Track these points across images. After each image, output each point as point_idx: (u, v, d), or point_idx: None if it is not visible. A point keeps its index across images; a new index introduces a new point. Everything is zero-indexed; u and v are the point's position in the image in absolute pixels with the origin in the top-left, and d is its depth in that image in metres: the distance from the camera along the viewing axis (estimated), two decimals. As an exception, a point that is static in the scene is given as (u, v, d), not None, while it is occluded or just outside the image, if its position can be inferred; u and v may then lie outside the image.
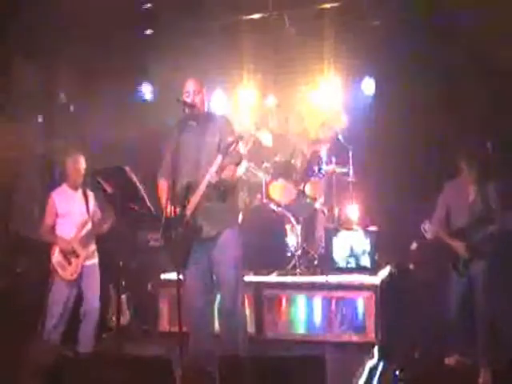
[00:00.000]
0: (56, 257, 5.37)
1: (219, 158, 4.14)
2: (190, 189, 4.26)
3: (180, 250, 4.20)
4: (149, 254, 6.62)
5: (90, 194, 5.52)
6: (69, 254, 5.37)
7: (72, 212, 5.46)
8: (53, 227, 5.46)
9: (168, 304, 6.02)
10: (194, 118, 4.47)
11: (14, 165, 6.70)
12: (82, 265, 5.39)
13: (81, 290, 5.44)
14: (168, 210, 4.20)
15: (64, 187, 5.57)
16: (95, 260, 5.55)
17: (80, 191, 5.52)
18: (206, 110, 4.54)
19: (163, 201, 4.41)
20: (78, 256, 5.37)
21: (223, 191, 4.31)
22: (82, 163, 5.53)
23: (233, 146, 4.12)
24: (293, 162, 6.83)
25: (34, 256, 6.46)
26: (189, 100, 4.39)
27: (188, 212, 4.26)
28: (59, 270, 5.34)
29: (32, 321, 5.85)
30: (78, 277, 5.37)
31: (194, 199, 4.25)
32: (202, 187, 4.22)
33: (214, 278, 4.50)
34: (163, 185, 4.52)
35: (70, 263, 5.36)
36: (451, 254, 5.20)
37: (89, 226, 5.44)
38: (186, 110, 4.38)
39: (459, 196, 5.30)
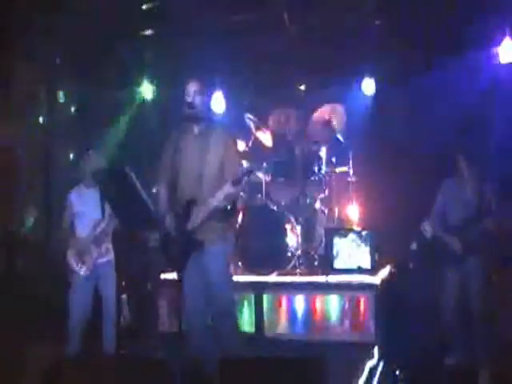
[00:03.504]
0: (70, 254, 5.44)
1: (229, 187, 4.10)
2: (191, 203, 4.21)
3: (177, 257, 4.19)
4: (149, 254, 6.62)
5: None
6: (82, 252, 5.42)
7: (87, 211, 5.49)
8: (70, 227, 5.54)
9: (168, 304, 6.02)
10: (195, 121, 4.40)
11: (17, 164, 6.73)
12: (96, 262, 5.44)
13: (97, 288, 5.50)
14: (168, 218, 4.27)
15: (81, 187, 5.61)
16: (110, 257, 5.56)
17: (97, 190, 5.52)
18: (207, 113, 4.46)
19: (162, 208, 4.41)
20: (91, 253, 5.43)
21: (226, 211, 4.30)
22: (99, 161, 5.54)
23: (245, 178, 4.12)
24: (293, 162, 6.82)
25: (37, 257, 6.48)
26: (190, 101, 4.32)
27: (190, 227, 4.22)
28: (73, 267, 5.41)
29: (33, 321, 5.87)
30: (92, 273, 5.43)
31: (198, 217, 4.21)
32: (207, 209, 4.19)
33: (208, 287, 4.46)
34: (164, 193, 4.50)
35: (83, 261, 5.42)
36: (448, 251, 5.25)
37: (103, 224, 5.48)
38: (187, 112, 4.33)
39: (456, 194, 5.36)
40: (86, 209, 5.49)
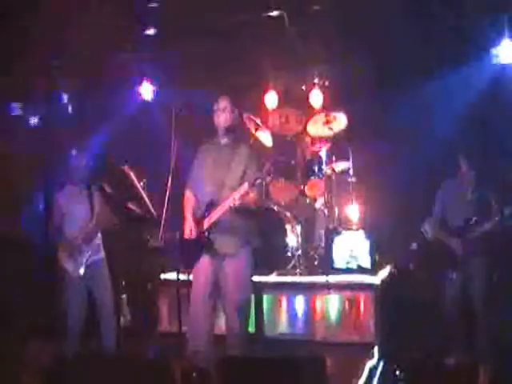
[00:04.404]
0: (61, 254, 5.42)
1: (246, 185, 4.40)
2: (211, 205, 4.57)
3: (190, 256, 4.57)
4: (149, 254, 6.62)
5: (95, 192, 5.55)
6: (73, 251, 5.41)
7: (76, 210, 5.49)
8: (60, 227, 5.52)
9: (168, 304, 6.02)
10: (222, 136, 4.74)
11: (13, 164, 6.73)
12: (87, 261, 5.43)
13: (91, 287, 5.49)
14: (188, 220, 4.64)
15: (68, 187, 5.60)
16: (100, 255, 5.57)
17: (85, 189, 5.54)
18: (233, 127, 4.76)
19: (186, 212, 4.74)
20: (81, 252, 5.41)
21: (243, 213, 4.55)
22: (85, 161, 5.57)
23: (259, 180, 4.44)
24: (293, 162, 6.82)
25: (35, 255, 6.47)
26: (218, 116, 4.69)
27: (205, 225, 4.55)
28: (65, 267, 5.40)
29: (32, 321, 5.87)
30: (84, 273, 5.41)
31: (213, 215, 4.54)
32: (223, 207, 4.49)
33: (222, 293, 4.64)
34: (189, 197, 4.81)
35: (74, 260, 5.40)
36: (450, 253, 5.23)
37: (93, 222, 5.48)
38: (219, 128, 4.71)
39: (457, 195, 5.33)
40: (75, 208, 5.49)
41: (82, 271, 5.40)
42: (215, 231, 4.54)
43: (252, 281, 4.86)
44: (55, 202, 5.57)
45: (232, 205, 4.43)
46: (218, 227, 4.54)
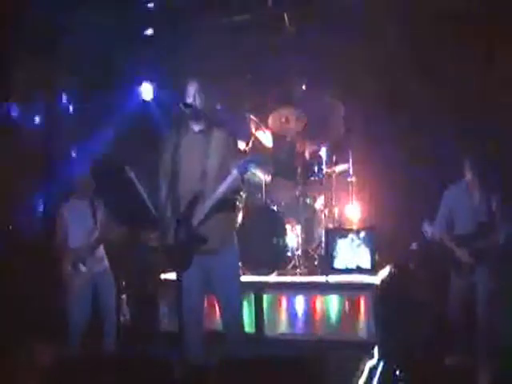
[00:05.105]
0: (65, 266, 5.44)
1: (235, 172, 4.09)
2: (196, 200, 4.21)
3: (180, 255, 4.16)
4: (149, 254, 6.62)
5: (98, 204, 5.57)
6: (77, 262, 5.42)
7: (80, 222, 5.52)
8: (64, 239, 5.54)
9: (168, 304, 6.02)
10: (195, 120, 4.39)
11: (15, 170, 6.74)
12: (92, 271, 5.47)
13: (95, 294, 5.51)
14: (170, 213, 4.21)
15: (72, 200, 5.64)
16: (104, 265, 5.61)
17: (87, 202, 5.57)
18: (208, 112, 4.42)
19: (164, 206, 4.36)
20: (85, 263, 5.44)
21: (227, 205, 4.28)
22: (87, 173, 5.63)
23: (250, 165, 4.15)
24: (293, 161, 6.83)
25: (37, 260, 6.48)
26: (190, 100, 4.32)
27: (195, 221, 4.21)
28: (70, 278, 5.42)
29: (33, 322, 5.87)
30: (88, 282, 5.45)
31: (203, 210, 4.21)
32: (213, 199, 4.18)
33: (215, 292, 4.46)
34: (165, 192, 4.42)
35: (79, 271, 5.42)
36: (454, 259, 5.18)
37: (96, 234, 5.51)
38: (188, 111, 4.30)
39: (463, 199, 5.24)
40: (79, 220, 5.52)
41: (86, 282, 5.42)
42: (202, 227, 4.20)
43: (240, 276, 4.65)
44: (60, 214, 5.58)
45: (225, 194, 4.13)
46: (205, 223, 4.20)
